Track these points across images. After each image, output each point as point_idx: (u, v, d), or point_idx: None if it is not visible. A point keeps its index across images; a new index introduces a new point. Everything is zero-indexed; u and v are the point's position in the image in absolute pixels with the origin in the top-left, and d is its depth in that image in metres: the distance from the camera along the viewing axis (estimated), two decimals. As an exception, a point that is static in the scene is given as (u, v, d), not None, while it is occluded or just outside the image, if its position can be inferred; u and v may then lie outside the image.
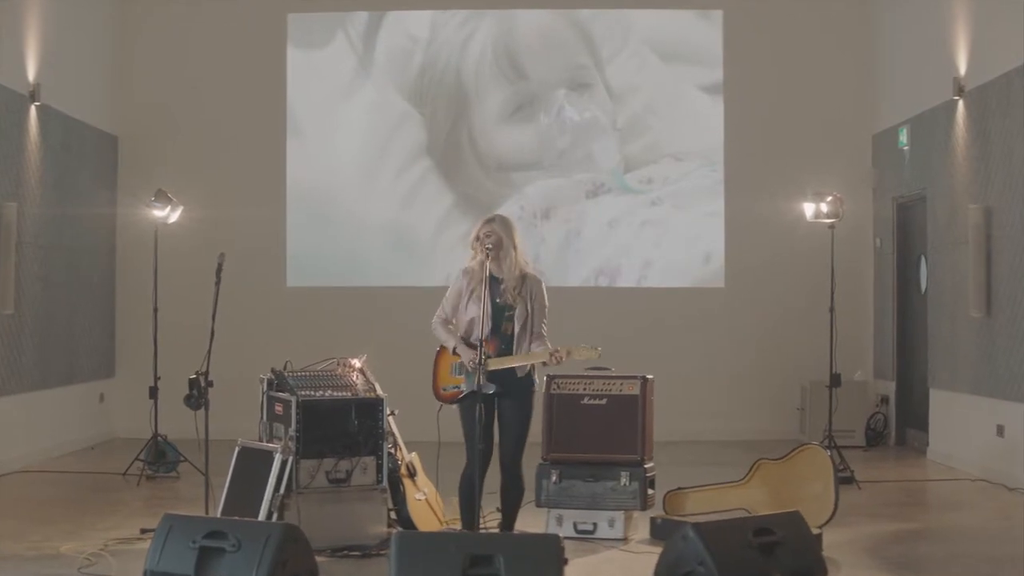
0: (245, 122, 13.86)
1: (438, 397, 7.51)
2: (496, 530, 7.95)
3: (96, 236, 13.27)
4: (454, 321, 7.52)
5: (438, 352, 7.56)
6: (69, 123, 12.48)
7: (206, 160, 13.77)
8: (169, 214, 10.97)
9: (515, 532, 7.49)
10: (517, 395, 7.38)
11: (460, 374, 7.42)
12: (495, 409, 7.40)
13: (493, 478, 7.41)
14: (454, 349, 7.40)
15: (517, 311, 7.39)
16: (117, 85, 13.77)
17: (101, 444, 12.95)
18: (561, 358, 7.28)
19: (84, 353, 12.90)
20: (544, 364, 7.40)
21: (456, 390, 7.43)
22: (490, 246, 7.34)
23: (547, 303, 7.50)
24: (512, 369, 7.34)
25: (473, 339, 7.34)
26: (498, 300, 7.36)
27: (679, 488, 8.35)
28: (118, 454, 11.66)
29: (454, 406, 7.46)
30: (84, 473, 11.01)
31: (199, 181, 13.39)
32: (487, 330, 7.30)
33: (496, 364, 7.28)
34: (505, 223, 7.50)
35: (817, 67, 13.88)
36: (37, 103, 11.57)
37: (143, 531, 7.94)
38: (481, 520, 7.34)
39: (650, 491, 8.04)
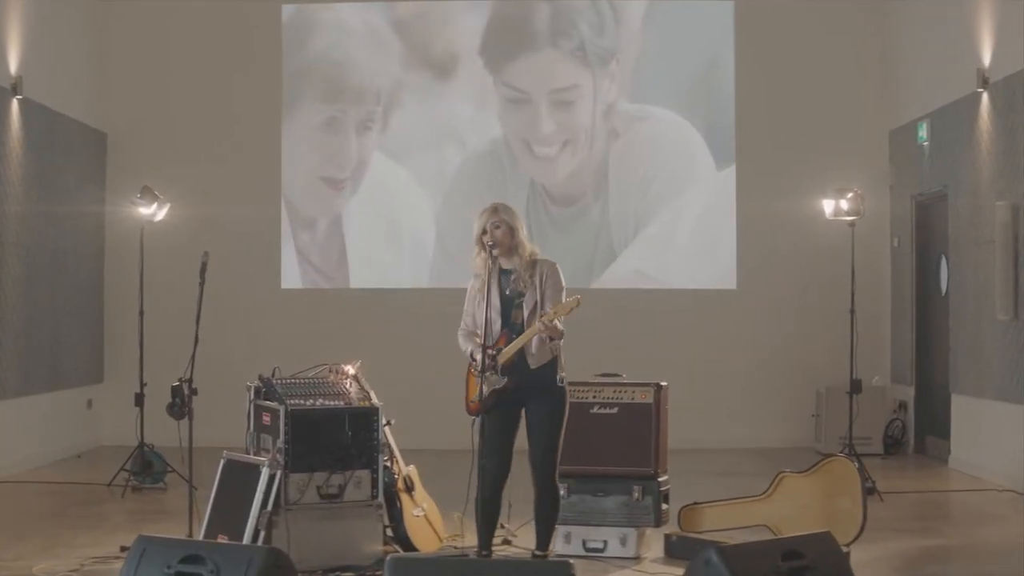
0: (240, 118, 13.39)
1: (469, 411, 6.97)
2: (503, 550, 7.49)
3: (83, 236, 12.80)
4: (477, 330, 7.00)
5: (470, 365, 7.06)
6: (54, 118, 12.01)
7: (199, 157, 13.29)
8: (156, 212, 10.53)
9: (546, 553, 6.99)
10: (541, 393, 6.85)
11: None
12: (519, 417, 6.88)
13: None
14: (471, 354, 6.91)
15: (526, 297, 6.90)
16: (105, 79, 13.30)
17: (88, 452, 12.47)
18: (551, 321, 6.70)
19: (70, 357, 12.43)
20: (550, 340, 6.83)
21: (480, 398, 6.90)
22: (491, 243, 6.85)
23: (564, 285, 6.98)
24: (525, 364, 6.82)
25: (491, 337, 6.88)
26: (507, 291, 6.88)
27: (695, 503, 7.83)
28: (105, 463, 11.18)
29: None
30: (67, 484, 10.54)
31: (192, 179, 12.94)
32: (498, 326, 6.84)
33: (503, 356, 6.81)
34: (509, 210, 7.02)
35: (832, 59, 13.41)
36: (19, 97, 11.10)
37: (123, 549, 7.42)
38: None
39: (664, 506, 7.54)
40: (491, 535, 6.95)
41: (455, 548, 7.36)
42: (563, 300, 6.89)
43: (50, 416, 11.91)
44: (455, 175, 13.41)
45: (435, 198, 13.39)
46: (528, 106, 13.34)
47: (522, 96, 13.36)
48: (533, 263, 6.95)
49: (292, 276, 13.44)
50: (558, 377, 6.88)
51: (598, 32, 13.33)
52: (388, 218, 13.42)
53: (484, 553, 6.88)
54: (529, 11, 13.39)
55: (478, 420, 6.88)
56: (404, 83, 13.39)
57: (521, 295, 6.90)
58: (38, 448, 11.51)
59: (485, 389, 6.80)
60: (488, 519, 6.91)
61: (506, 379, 6.74)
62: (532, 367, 6.84)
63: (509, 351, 6.80)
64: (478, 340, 6.87)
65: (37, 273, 11.62)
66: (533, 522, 7.08)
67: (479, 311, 6.91)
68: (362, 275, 13.44)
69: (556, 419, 6.87)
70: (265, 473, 6.91)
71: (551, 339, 6.83)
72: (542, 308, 6.85)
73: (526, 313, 6.88)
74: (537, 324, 6.75)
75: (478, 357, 6.81)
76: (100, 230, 13.15)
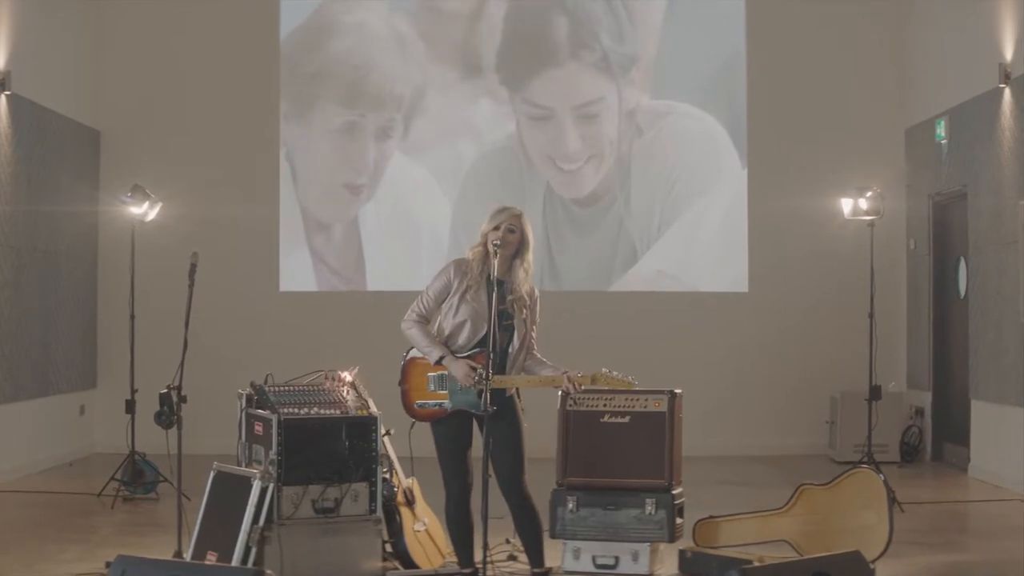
0: (237, 115, 13.00)
1: (412, 414, 6.66)
2: (508, 567, 7.13)
3: (75, 237, 12.42)
4: (435, 321, 6.67)
5: (408, 359, 6.71)
6: (44, 115, 11.63)
7: (196, 156, 12.89)
8: (147, 211, 10.17)
9: (545, 569, 6.67)
10: (503, 413, 6.52)
11: (442, 388, 6.57)
12: (471, 427, 6.59)
13: (497, 502, 6.50)
14: (439, 360, 6.53)
15: (516, 322, 6.53)
16: (98, 74, 12.92)
17: (80, 460, 12.10)
18: (580, 387, 6.45)
19: (62, 362, 12.05)
20: (555, 389, 6.56)
21: (437, 407, 6.58)
22: (498, 242, 6.45)
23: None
24: (500, 389, 6.50)
25: (459, 345, 6.54)
26: (499, 306, 6.47)
27: (711, 516, 7.46)
28: (97, 471, 10.83)
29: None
30: (57, 493, 10.18)
31: (188, 178, 12.56)
32: (475, 340, 6.50)
33: (498, 384, 6.43)
34: (527, 223, 6.64)
35: (845, 55, 13.03)
36: (7, 92, 10.72)
37: (108, 565, 7.03)
38: (488, 555, 6.45)
39: (679, 520, 7.15)
40: (471, 551, 6.65)
41: (457, 564, 6.97)
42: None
43: (41, 423, 11.55)
44: (470, 171, 13.01)
45: (451, 195, 12.99)
46: (552, 123, 12.94)
47: (545, 113, 12.97)
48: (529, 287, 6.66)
49: (307, 279, 13.03)
50: (519, 401, 6.64)
51: (618, 40, 12.95)
52: (405, 216, 13.01)
53: (468, 571, 6.59)
54: (547, 25, 13.00)
55: (444, 425, 6.61)
56: (424, 88, 13.00)
57: (510, 317, 6.54)
58: (28, 456, 11.15)
59: (450, 404, 6.53)
60: (463, 535, 6.65)
61: (495, 408, 6.38)
62: (507, 394, 6.56)
63: (505, 384, 6.47)
64: (435, 336, 6.59)
65: (27, 275, 11.26)
66: (522, 542, 6.74)
67: (455, 311, 6.55)
68: (380, 274, 13.02)
69: (516, 427, 6.58)
70: (257, 486, 6.53)
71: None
72: (528, 341, 6.59)
73: (516, 342, 6.55)
74: (568, 383, 6.46)
75: (452, 368, 6.49)
76: (93, 231, 12.78)
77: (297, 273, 13.05)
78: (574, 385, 6.44)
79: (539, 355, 6.70)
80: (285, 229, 13.04)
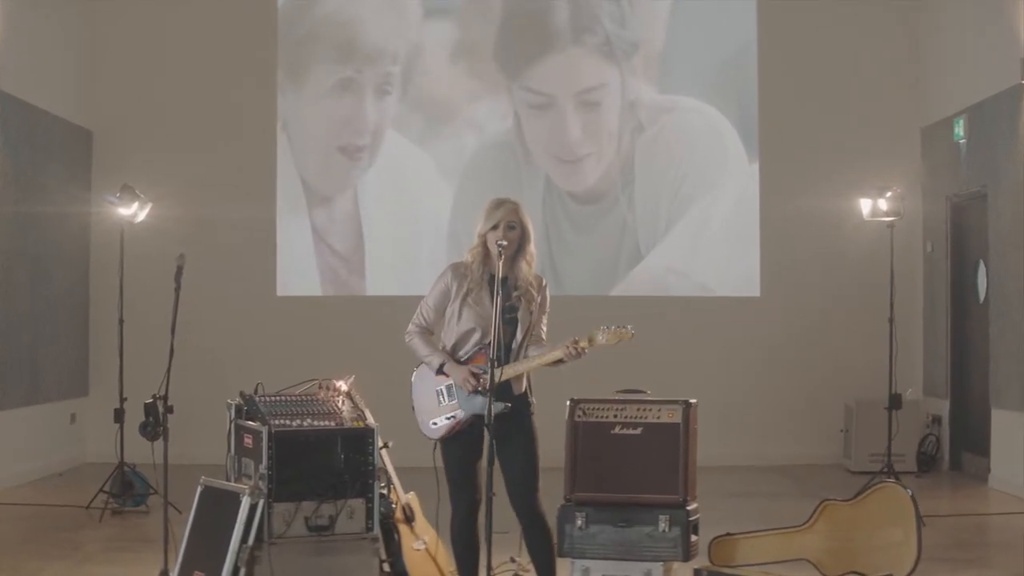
0: (233, 114, 12.68)
1: (429, 435, 6.29)
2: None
3: (67, 240, 12.11)
4: (438, 331, 6.31)
5: (414, 380, 6.35)
6: (35, 114, 11.32)
7: (191, 156, 12.57)
8: (137, 212, 9.86)
9: None
10: (516, 418, 6.13)
11: (451, 399, 6.20)
12: (482, 440, 6.17)
13: (502, 515, 6.15)
14: (440, 367, 6.18)
15: (520, 315, 6.16)
16: (91, 73, 12.61)
17: (70, 470, 11.77)
18: (582, 350, 6.05)
19: (52, 369, 11.71)
20: (560, 362, 6.14)
21: (451, 420, 6.20)
22: (504, 242, 6.09)
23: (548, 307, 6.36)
24: (509, 386, 6.11)
25: (464, 352, 6.18)
26: (504, 304, 6.12)
27: (728, 534, 7.08)
28: (87, 482, 10.48)
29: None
30: (43, 506, 9.86)
31: (183, 178, 12.26)
32: (484, 340, 6.12)
33: (506, 375, 6.06)
34: (526, 214, 6.27)
35: (860, 51, 12.71)
36: (-5, 90, 10.46)
37: (90, 585, 6.72)
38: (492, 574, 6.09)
39: (693, 537, 6.77)
40: (475, 571, 6.32)
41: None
42: (544, 321, 6.30)
43: (30, 432, 11.21)
44: (469, 162, 12.68)
45: (451, 182, 12.67)
46: (552, 110, 12.61)
47: (546, 100, 12.62)
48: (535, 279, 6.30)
49: (307, 271, 12.68)
50: (531, 401, 6.26)
51: (621, 24, 12.61)
52: (404, 197, 12.70)
53: None
54: (547, 9, 12.65)
55: (453, 440, 6.24)
56: (421, 47, 12.67)
57: (515, 310, 6.18)
58: (16, 466, 10.82)
59: (462, 413, 6.16)
60: (468, 555, 6.31)
61: (506, 405, 6.01)
62: (516, 393, 6.17)
63: (515, 372, 6.10)
64: (438, 344, 6.25)
65: (16, 279, 10.95)
66: (532, 560, 6.37)
67: (458, 317, 6.19)
68: (379, 257, 12.70)
69: (530, 435, 6.21)
70: (246, 502, 6.15)
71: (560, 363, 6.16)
72: (534, 331, 6.21)
73: (519, 335, 6.18)
74: (565, 350, 6.05)
75: (452, 373, 6.14)
76: (85, 233, 12.45)
77: (297, 264, 12.68)
78: (574, 350, 6.06)
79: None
80: (284, 210, 12.67)
